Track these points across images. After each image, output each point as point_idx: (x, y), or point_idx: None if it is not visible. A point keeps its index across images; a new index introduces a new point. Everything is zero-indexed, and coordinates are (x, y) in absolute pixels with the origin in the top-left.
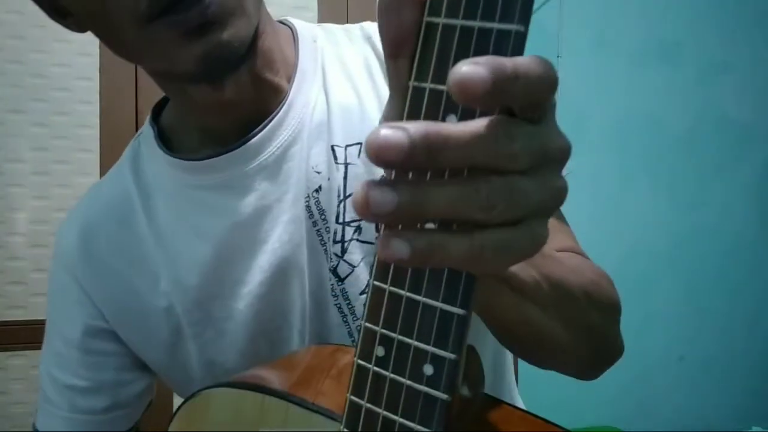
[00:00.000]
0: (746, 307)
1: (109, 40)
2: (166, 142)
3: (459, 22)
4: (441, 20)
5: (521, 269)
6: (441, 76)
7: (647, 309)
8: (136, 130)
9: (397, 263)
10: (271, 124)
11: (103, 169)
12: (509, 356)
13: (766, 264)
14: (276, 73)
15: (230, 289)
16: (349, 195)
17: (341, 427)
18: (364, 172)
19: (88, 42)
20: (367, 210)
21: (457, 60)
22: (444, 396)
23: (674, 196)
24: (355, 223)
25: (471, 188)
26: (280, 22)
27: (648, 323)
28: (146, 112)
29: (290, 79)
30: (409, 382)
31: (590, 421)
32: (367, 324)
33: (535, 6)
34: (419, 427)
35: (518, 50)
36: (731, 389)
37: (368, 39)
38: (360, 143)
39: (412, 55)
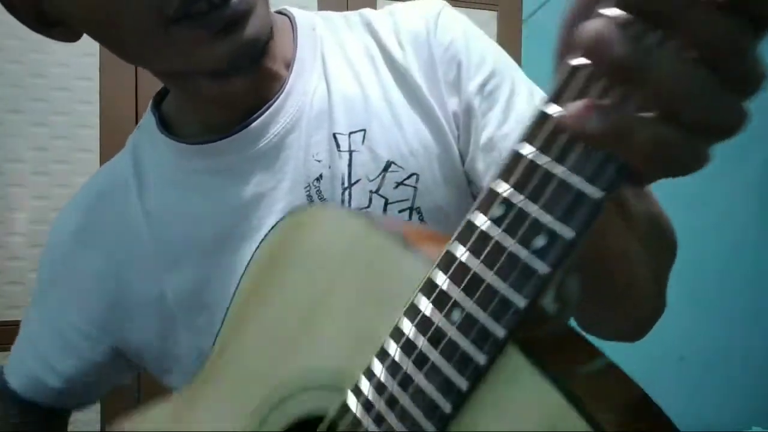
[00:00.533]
0: (746, 308)
1: (116, 43)
2: (167, 128)
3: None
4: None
5: (632, 196)
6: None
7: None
8: None
9: (581, 136)
10: (268, 111)
11: None
12: None
13: (766, 264)
14: (274, 62)
15: (223, 275)
16: (355, 182)
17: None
18: (370, 158)
19: (88, 42)
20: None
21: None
22: (546, 269)
23: (675, 195)
24: (362, 211)
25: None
26: (279, 12)
27: None
28: (146, 112)
29: (289, 68)
30: (515, 247)
31: None
32: (496, 181)
33: (535, 6)
34: (507, 290)
35: None
36: (731, 389)
37: (368, 25)
38: (364, 130)
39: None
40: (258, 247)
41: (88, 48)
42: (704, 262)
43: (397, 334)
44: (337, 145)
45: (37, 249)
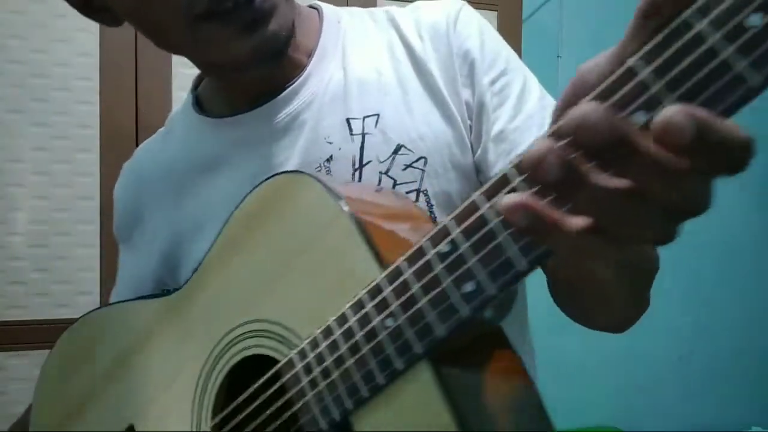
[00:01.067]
0: (746, 307)
1: (152, 34)
2: (201, 107)
3: (714, 40)
4: (697, 27)
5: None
6: (663, 72)
7: (647, 309)
8: (136, 130)
9: (513, 224)
10: (284, 93)
11: (103, 169)
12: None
13: (766, 264)
14: (296, 50)
15: None
16: (366, 163)
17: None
18: (382, 141)
19: (88, 42)
20: (539, 167)
21: (686, 73)
22: (467, 313)
23: None
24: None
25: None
26: (310, 6)
27: (648, 323)
28: (146, 112)
29: (310, 56)
30: (449, 285)
31: (590, 421)
32: (450, 220)
33: (535, 6)
34: (433, 318)
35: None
36: (731, 389)
37: (392, 20)
38: (378, 114)
39: (654, 30)
40: (243, 200)
41: (88, 48)
42: (704, 262)
43: (341, 319)
44: (350, 129)
45: (38, 249)
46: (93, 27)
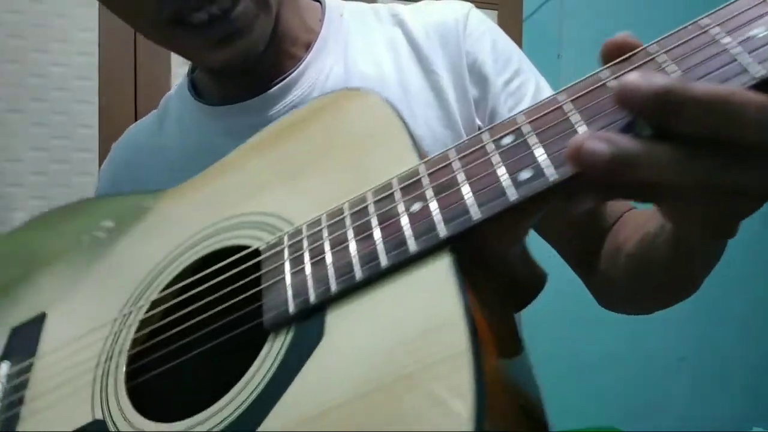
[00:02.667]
0: (747, 308)
1: (137, 30)
2: (198, 92)
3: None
4: None
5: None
6: None
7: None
8: None
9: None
10: (282, 83)
11: None
12: None
13: (766, 264)
14: (294, 44)
15: None
16: None
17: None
18: None
19: (88, 42)
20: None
21: None
22: (516, 198)
23: None
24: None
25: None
26: None
27: (649, 324)
28: (145, 112)
29: (309, 48)
30: (502, 169)
31: (590, 421)
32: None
33: (536, 5)
34: (472, 200)
35: None
36: (732, 389)
37: (395, 16)
38: None
39: None
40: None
41: (87, 48)
42: None
43: (357, 201)
44: None
45: None
46: (92, 26)
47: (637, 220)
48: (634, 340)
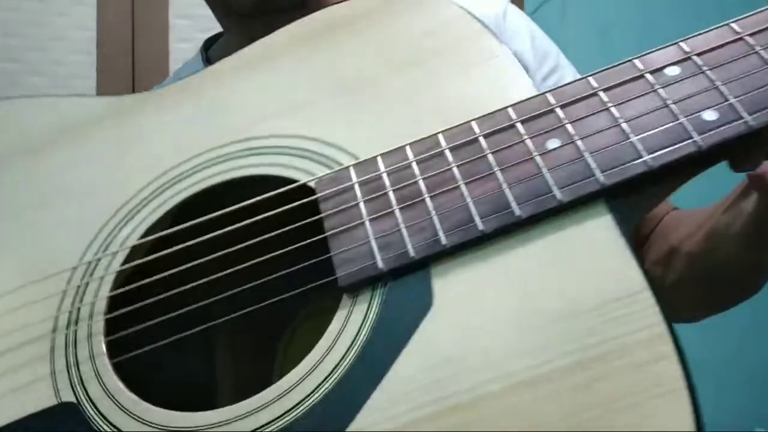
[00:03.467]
0: (749, 308)
1: None
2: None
3: None
4: None
5: None
6: None
7: None
8: None
9: None
10: None
11: None
12: None
13: None
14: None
15: None
16: None
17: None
18: None
19: (87, 41)
20: None
21: None
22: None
23: (675, 196)
24: None
25: None
26: None
27: None
28: None
29: None
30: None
31: None
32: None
33: (536, 5)
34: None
35: None
36: (734, 390)
37: None
38: None
39: None
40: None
41: (86, 47)
42: None
43: (460, 131)
44: None
45: None
46: (90, 25)
47: (690, 220)
48: None
